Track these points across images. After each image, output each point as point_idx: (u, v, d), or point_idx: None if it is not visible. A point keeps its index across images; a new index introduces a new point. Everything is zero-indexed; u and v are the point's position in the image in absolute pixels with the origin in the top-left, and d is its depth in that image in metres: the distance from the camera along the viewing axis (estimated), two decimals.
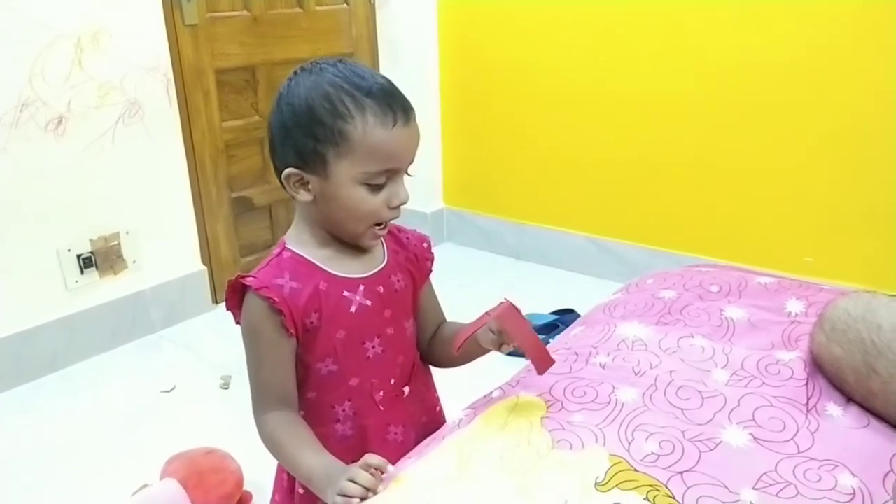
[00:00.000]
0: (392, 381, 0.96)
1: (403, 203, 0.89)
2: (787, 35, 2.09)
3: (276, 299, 0.86)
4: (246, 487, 1.56)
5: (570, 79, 2.55)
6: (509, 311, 0.85)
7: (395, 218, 0.91)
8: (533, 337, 0.86)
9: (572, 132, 2.61)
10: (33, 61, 1.93)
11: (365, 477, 0.79)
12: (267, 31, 2.50)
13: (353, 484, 0.78)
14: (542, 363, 0.87)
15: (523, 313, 0.87)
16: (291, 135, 0.86)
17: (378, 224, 0.90)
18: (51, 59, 1.96)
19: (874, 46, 1.96)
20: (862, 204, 2.09)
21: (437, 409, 1.09)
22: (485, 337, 0.88)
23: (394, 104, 0.84)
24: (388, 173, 0.86)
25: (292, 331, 0.88)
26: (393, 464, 0.87)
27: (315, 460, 0.85)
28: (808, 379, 0.93)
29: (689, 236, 2.43)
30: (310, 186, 0.88)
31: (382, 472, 0.81)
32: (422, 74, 2.88)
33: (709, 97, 2.27)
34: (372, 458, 0.81)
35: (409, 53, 2.88)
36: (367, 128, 0.83)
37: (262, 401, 0.92)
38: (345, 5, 2.76)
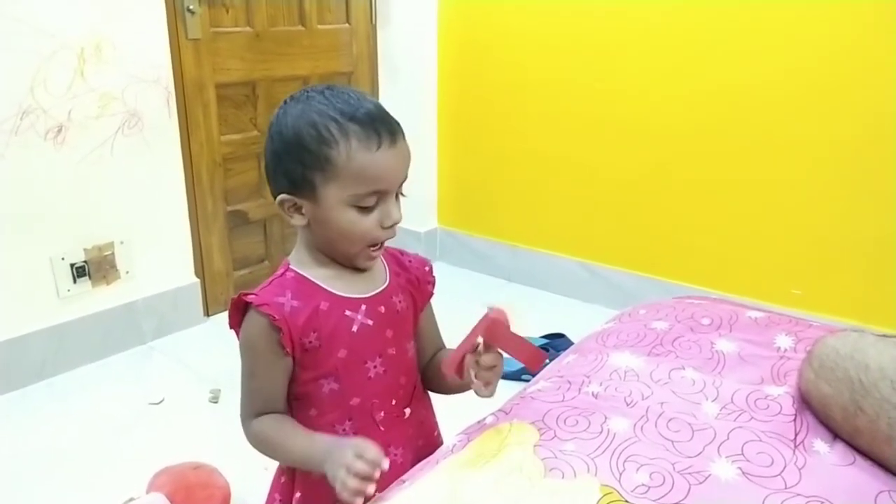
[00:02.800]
0: (393, 402, 0.97)
1: (396, 223, 0.91)
2: (781, 67, 2.13)
3: (276, 316, 0.88)
4: (233, 503, 1.56)
5: (567, 103, 2.59)
6: (493, 324, 0.86)
7: (390, 238, 0.93)
8: (522, 344, 0.88)
9: (567, 156, 2.64)
10: (36, 70, 1.94)
11: (374, 452, 0.81)
12: (268, 48, 2.52)
13: (360, 460, 0.81)
14: (535, 363, 0.89)
15: (508, 318, 0.88)
16: (282, 162, 0.89)
17: (373, 245, 0.91)
18: (53, 69, 1.97)
19: (868, 79, 2.00)
20: (851, 238, 2.12)
21: (435, 433, 1.10)
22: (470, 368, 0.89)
23: (379, 127, 0.86)
24: (378, 194, 0.88)
25: (288, 349, 0.90)
26: (388, 485, 0.88)
27: (308, 440, 0.89)
28: (796, 415, 0.95)
29: (680, 265, 2.46)
30: (303, 211, 0.90)
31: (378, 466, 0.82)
32: (420, 94, 2.91)
33: (703, 127, 2.31)
34: (369, 452, 0.82)
35: (408, 73, 2.91)
36: (351, 152, 0.85)
37: (250, 408, 0.95)
38: (346, 24, 2.79)
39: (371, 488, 0.81)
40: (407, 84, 2.91)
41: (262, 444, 0.94)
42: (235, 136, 2.52)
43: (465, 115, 2.91)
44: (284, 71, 2.58)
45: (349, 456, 0.81)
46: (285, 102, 0.91)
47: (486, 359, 0.87)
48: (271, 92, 2.55)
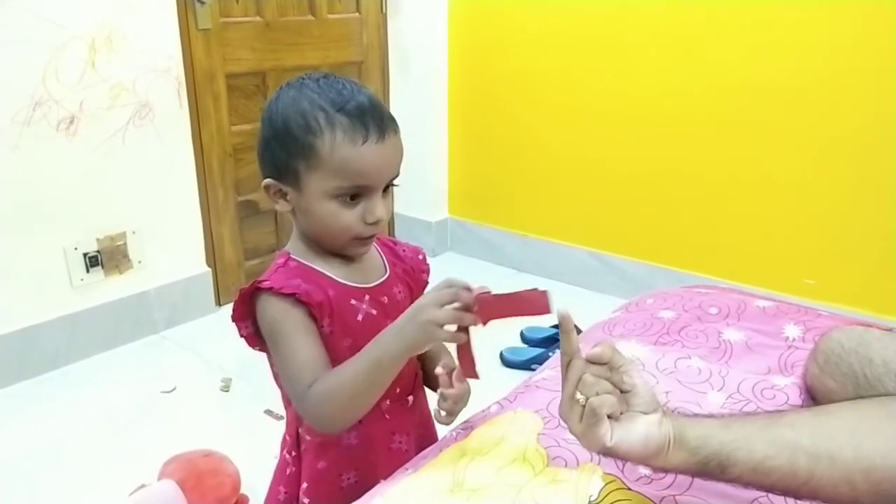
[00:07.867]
0: (398, 390, 0.97)
1: (379, 220, 0.88)
2: (791, 56, 2.10)
3: (299, 293, 0.86)
4: (243, 491, 1.57)
5: (577, 93, 2.57)
6: (481, 304, 0.80)
7: (373, 233, 0.91)
8: (515, 300, 0.82)
9: (578, 146, 2.63)
10: (47, 61, 1.95)
11: (461, 282, 0.80)
12: (278, 38, 2.53)
13: (447, 289, 0.79)
14: (542, 306, 0.84)
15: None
16: (269, 147, 0.89)
17: (357, 239, 0.90)
18: (64, 60, 1.98)
19: (876, 68, 1.98)
20: (866, 227, 2.10)
21: (432, 421, 1.09)
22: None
23: (368, 121, 0.84)
24: (361, 189, 0.86)
25: (320, 321, 0.88)
26: (393, 473, 0.88)
27: (371, 345, 0.84)
28: (802, 405, 0.94)
29: (692, 254, 2.44)
30: (288, 197, 0.90)
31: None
32: (431, 84, 2.90)
33: (714, 116, 2.29)
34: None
35: (419, 63, 2.90)
36: (336, 144, 0.84)
37: (303, 384, 0.86)
38: (356, 14, 2.78)
39: (469, 318, 0.79)
40: (418, 73, 2.91)
41: (334, 397, 0.84)
42: (246, 127, 2.53)
43: (476, 105, 2.90)
44: (294, 61, 2.58)
45: (430, 297, 0.80)
46: (281, 88, 0.91)
47: (452, 392, 0.89)
48: (281, 82, 2.50)
